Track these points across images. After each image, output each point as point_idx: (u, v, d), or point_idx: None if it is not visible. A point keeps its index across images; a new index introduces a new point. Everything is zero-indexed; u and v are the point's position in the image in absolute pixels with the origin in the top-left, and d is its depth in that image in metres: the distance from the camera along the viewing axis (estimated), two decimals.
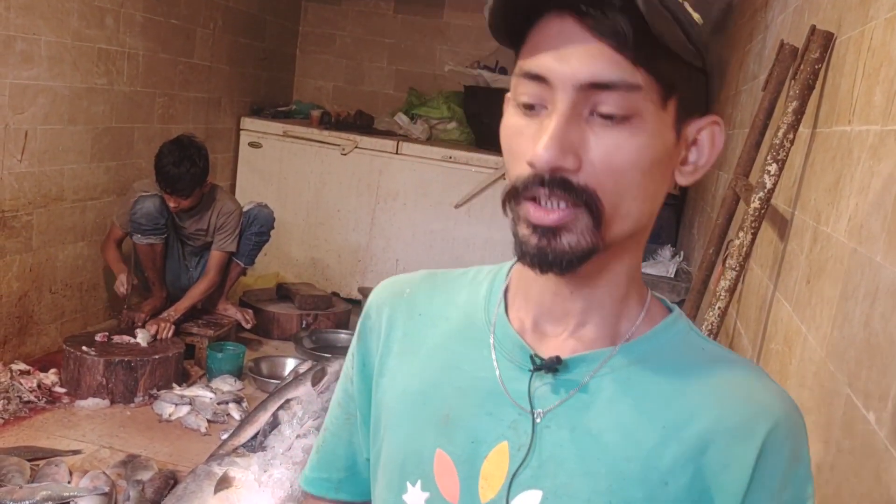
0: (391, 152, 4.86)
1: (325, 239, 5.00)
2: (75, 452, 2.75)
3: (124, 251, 3.74)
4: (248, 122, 5.03)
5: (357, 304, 4.70)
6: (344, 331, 4.27)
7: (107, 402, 3.16)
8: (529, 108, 0.65)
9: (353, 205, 4.94)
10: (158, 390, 3.25)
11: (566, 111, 0.62)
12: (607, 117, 0.62)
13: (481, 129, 5.03)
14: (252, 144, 5.02)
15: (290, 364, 3.71)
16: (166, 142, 3.53)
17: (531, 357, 0.70)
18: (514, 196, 0.66)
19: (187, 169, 3.45)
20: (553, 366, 0.69)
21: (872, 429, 1.00)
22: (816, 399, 1.29)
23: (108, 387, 3.17)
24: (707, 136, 0.68)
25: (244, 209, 3.88)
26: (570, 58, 0.62)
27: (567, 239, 0.64)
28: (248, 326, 3.94)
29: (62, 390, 3.18)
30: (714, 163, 0.70)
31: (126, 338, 3.40)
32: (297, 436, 2.76)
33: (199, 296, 3.75)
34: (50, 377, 3.22)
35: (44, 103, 3.28)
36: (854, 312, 1.17)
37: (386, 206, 4.91)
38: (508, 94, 0.70)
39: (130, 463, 2.68)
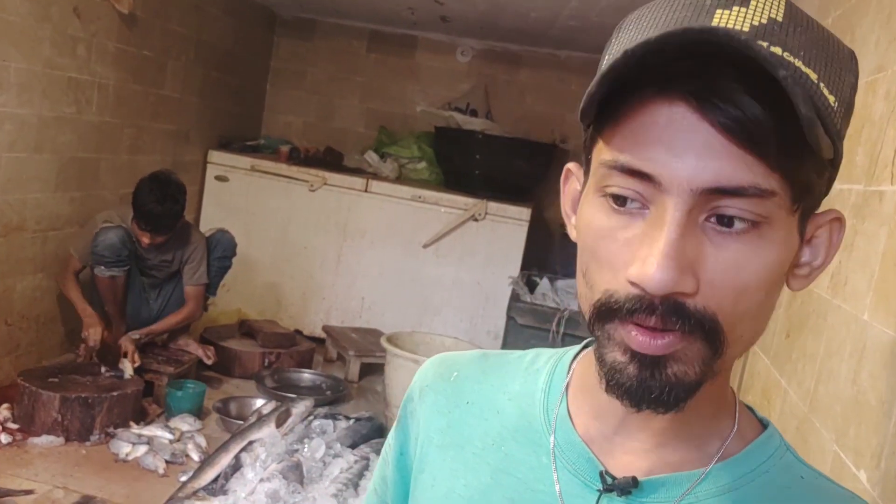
0: (360, 190, 4.85)
1: (290, 276, 4.94)
2: (27, 492, 2.64)
3: (81, 281, 3.62)
4: (215, 156, 4.98)
5: (321, 343, 4.64)
6: (307, 370, 4.21)
7: (61, 439, 3.04)
8: (619, 202, 0.52)
9: (319, 242, 4.90)
10: (115, 428, 3.14)
11: (681, 220, 0.50)
12: (728, 223, 0.51)
13: (451, 170, 5.06)
14: (219, 178, 4.97)
15: (258, 405, 3.63)
16: (144, 178, 3.47)
17: (601, 474, 0.60)
18: (608, 317, 0.53)
19: (170, 207, 3.41)
20: (628, 488, 0.58)
21: (864, 487, 1.00)
22: (801, 453, 1.30)
23: (64, 423, 3.06)
24: (825, 234, 0.57)
25: (206, 235, 3.85)
26: (686, 155, 0.49)
27: (674, 369, 0.52)
28: (209, 363, 3.85)
29: (15, 426, 3.06)
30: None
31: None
32: (261, 479, 2.69)
33: (177, 324, 3.72)
34: (3, 412, 3.10)
35: (10, 130, 3.21)
36: (840, 369, 1.18)
37: (353, 244, 4.88)
38: (570, 166, 0.59)
39: None
